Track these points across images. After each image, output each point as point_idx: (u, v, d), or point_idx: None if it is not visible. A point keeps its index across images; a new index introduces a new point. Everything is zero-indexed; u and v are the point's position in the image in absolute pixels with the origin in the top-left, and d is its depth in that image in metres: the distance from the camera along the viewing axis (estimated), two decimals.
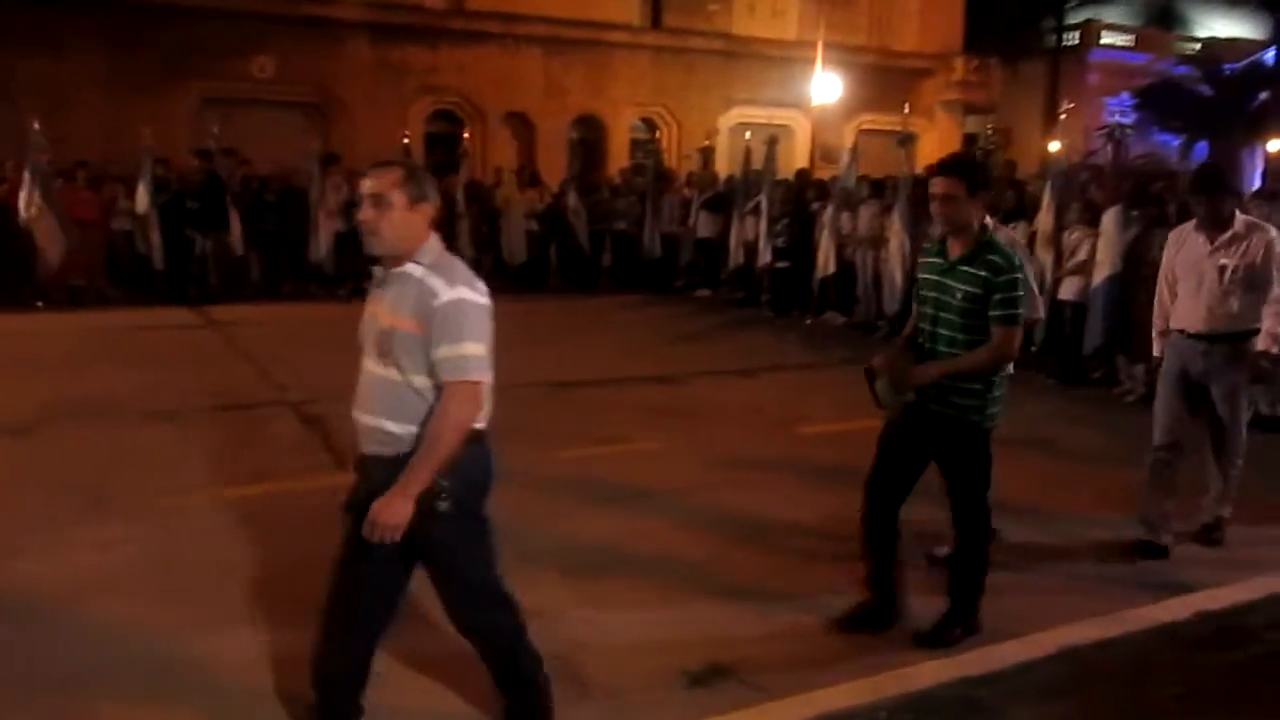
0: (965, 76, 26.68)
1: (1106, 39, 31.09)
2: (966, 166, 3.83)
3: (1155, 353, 5.01)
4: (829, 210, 12.01)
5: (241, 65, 18.95)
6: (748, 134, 15.63)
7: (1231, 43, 31.75)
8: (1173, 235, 5.03)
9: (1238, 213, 4.76)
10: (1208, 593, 4.29)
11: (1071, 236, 8.95)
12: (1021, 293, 3.61)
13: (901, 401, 3.75)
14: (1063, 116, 10.88)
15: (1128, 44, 31.48)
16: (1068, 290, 8.91)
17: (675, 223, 15.00)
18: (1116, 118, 24.02)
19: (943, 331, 3.71)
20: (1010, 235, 4.88)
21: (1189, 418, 4.85)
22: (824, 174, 15.89)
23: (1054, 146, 10.08)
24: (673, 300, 14.20)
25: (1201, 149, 28.89)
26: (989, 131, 10.90)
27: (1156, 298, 5.06)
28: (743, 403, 8.09)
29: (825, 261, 11.98)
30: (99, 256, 13.17)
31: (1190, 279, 4.77)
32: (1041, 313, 7.15)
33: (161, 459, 6.12)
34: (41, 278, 12.27)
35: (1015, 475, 4.72)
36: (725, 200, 14.27)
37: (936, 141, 25.64)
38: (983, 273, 3.60)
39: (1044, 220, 9.21)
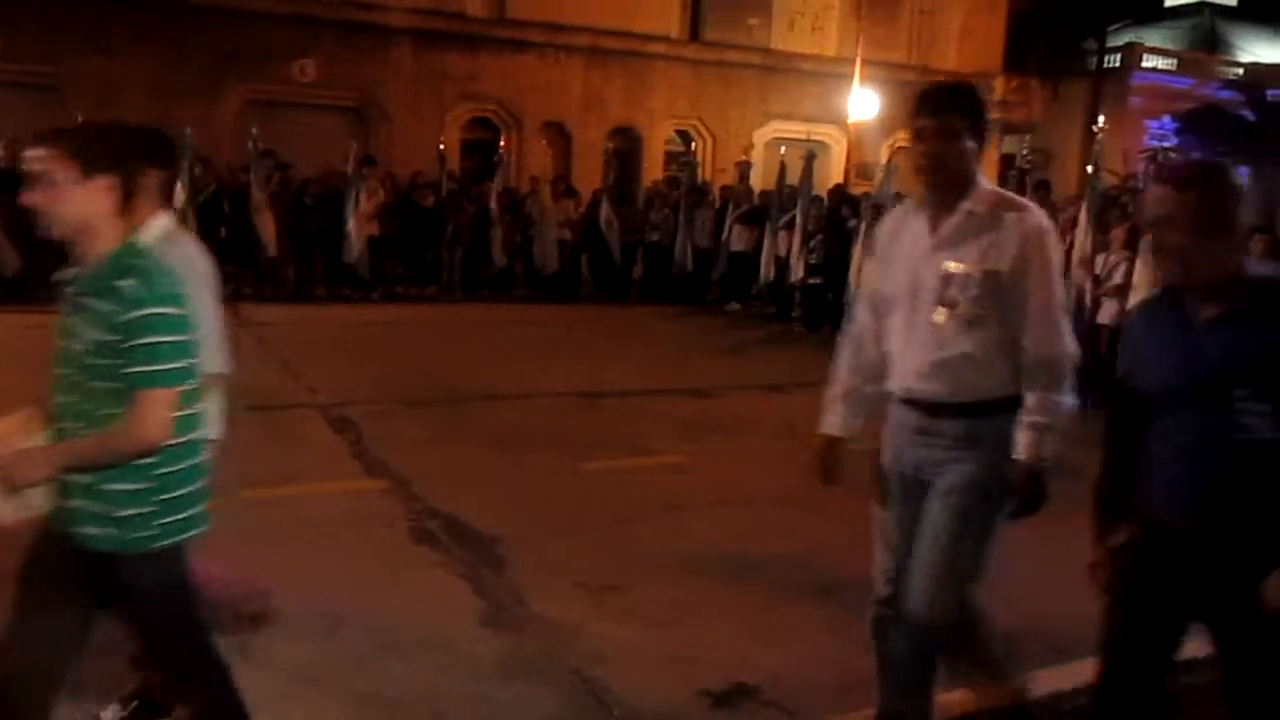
0: (1005, 96, 26.48)
1: (1149, 62, 30.78)
2: None
3: (827, 429, 3.05)
4: (863, 227, 11.95)
5: (284, 68, 19.13)
6: (783, 149, 15.59)
7: (1275, 68, 31.37)
8: (886, 220, 3.11)
9: (982, 179, 2.81)
10: None
11: (1109, 259, 8.84)
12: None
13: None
14: (1099, 137, 10.72)
15: (1170, 67, 31.15)
16: (1105, 314, 8.79)
17: (708, 236, 14.98)
18: (1158, 141, 23.78)
19: None
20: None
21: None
22: (860, 190, 15.82)
23: (1090, 168, 9.97)
24: (704, 313, 14.15)
25: (1243, 174, 28.55)
26: (1025, 151, 10.78)
27: (843, 332, 3.17)
28: (773, 418, 8.02)
29: (858, 278, 11.90)
30: None
31: (903, 299, 2.87)
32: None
33: None
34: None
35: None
36: (760, 214, 14.24)
37: None
38: None
39: (1081, 242, 9.11)
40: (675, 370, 10.07)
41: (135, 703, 3.03)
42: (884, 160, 17.82)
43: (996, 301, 2.71)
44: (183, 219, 12.87)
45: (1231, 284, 2.27)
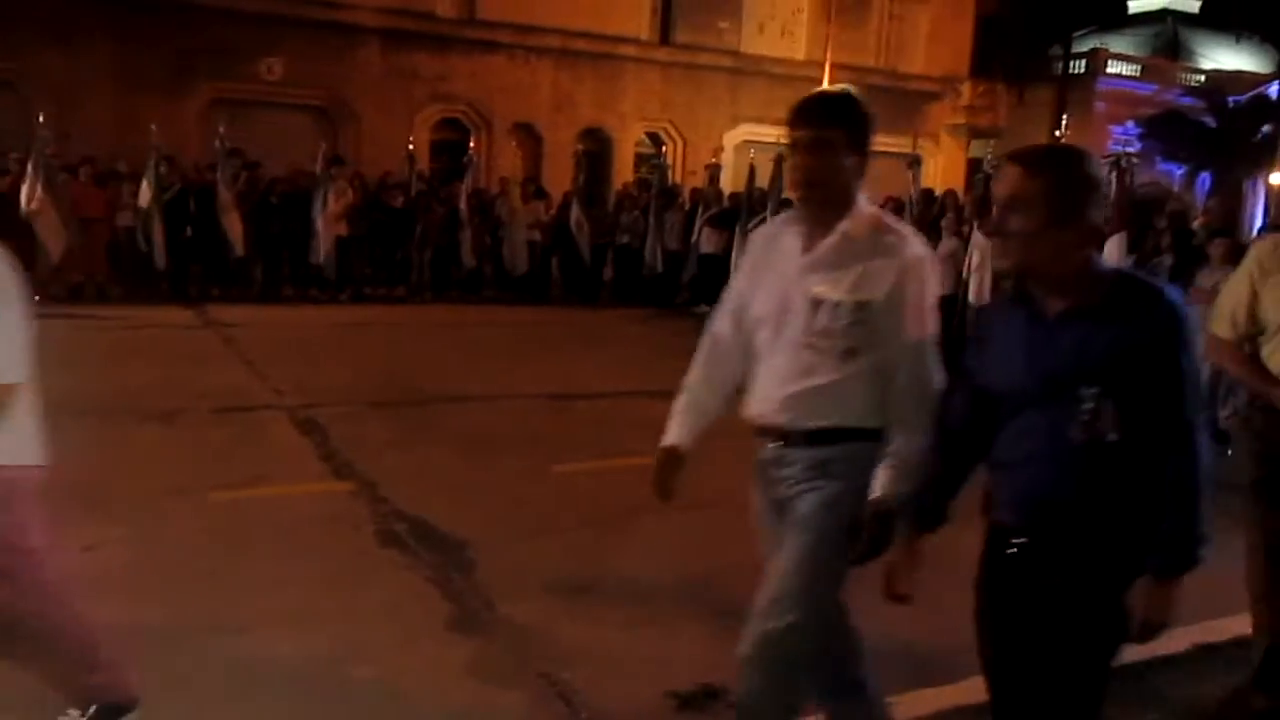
0: (972, 101, 26.79)
1: (1113, 68, 31.20)
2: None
3: (669, 440, 2.94)
4: None
5: (251, 67, 18.98)
6: (752, 152, 15.66)
7: (1236, 75, 31.90)
8: (763, 228, 2.89)
9: (863, 200, 2.61)
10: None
11: None
12: None
13: None
14: (1063, 142, 10.86)
15: (1134, 74, 31.59)
16: None
17: (678, 238, 15.00)
18: (1122, 146, 24.09)
19: None
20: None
21: None
22: None
23: None
24: (674, 316, 14.16)
25: (1205, 180, 28.99)
26: (990, 157, 10.89)
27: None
28: (742, 421, 8.05)
29: None
30: (102, 253, 13.16)
31: (768, 319, 2.65)
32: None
33: (155, 459, 6.08)
34: (41, 272, 12.25)
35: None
36: (730, 217, 14.28)
37: (943, 165, 25.74)
38: None
39: None
40: (645, 372, 10.06)
41: (94, 708, 3.00)
42: None
43: (866, 332, 2.51)
44: (148, 218, 12.82)
45: (1081, 277, 2.17)
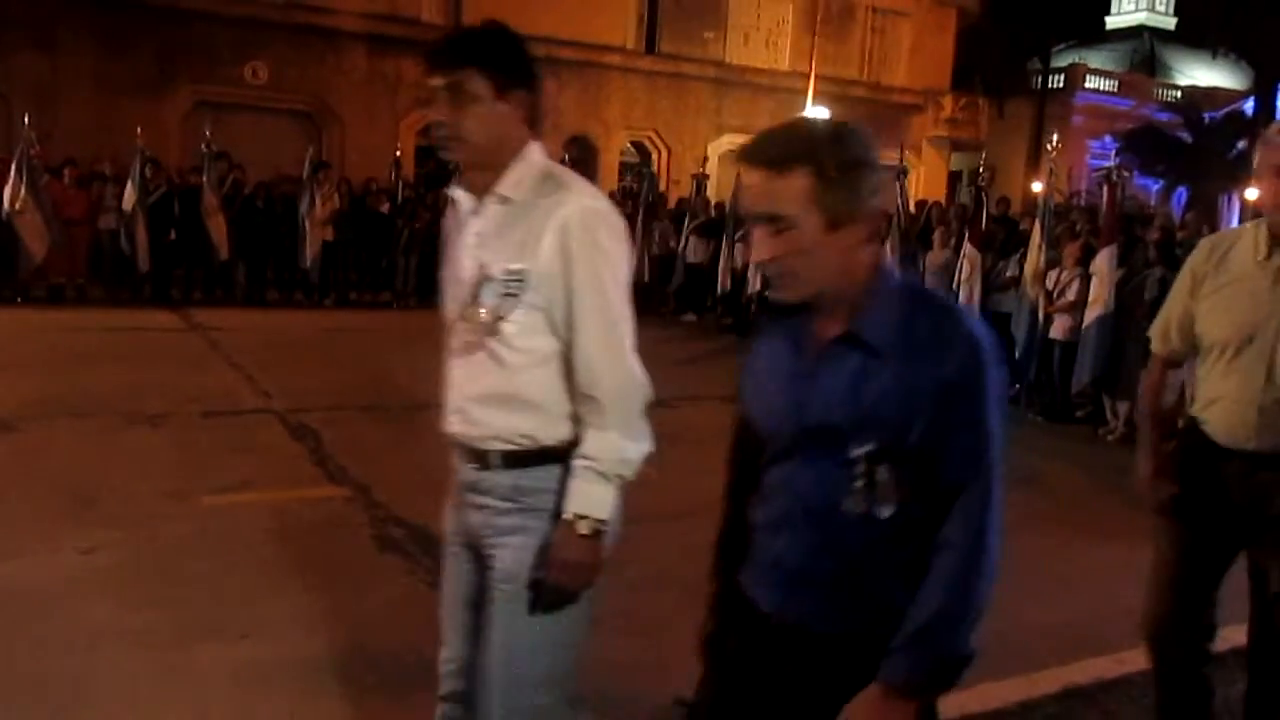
0: (953, 114, 27.04)
1: (1091, 83, 31.60)
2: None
3: None
4: None
5: (235, 70, 18.89)
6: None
7: (1212, 91, 32.35)
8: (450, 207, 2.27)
9: (533, 152, 2.12)
10: None
11: (1061, 275, 9.03)
12: None
13: None
14: (1051, 155, 10.97)
15: (1112, 89, 32.00)
16: (1058, 329, 8.98)
17: (664, 247, 15.04)
18: (1113, 160, 24.37)
19: None
20: None
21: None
22: None
23: (1037, 186, 10.19)
24: (660, 324, 14.17)
25: (1181, 194, 29.35)
26: (981, 169, 11.00)
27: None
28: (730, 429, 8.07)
29: None
30: (83, 255, 13.05)
31: (451, 309, 2.21)
32: None
33: (146, 463, 6.02)
34: (23, 274, 12.13)
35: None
36: (716, 226, 14.33)
37: (925, 177, 25.93)
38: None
39: (1034, 258, 9.29)
40: None
41: None
42: None
43: (537, 313, 2.03)
44: (132, 220, 12.71)
45: (862, 294, 1.63)
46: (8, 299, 11.95)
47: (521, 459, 2.08)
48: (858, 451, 1.60)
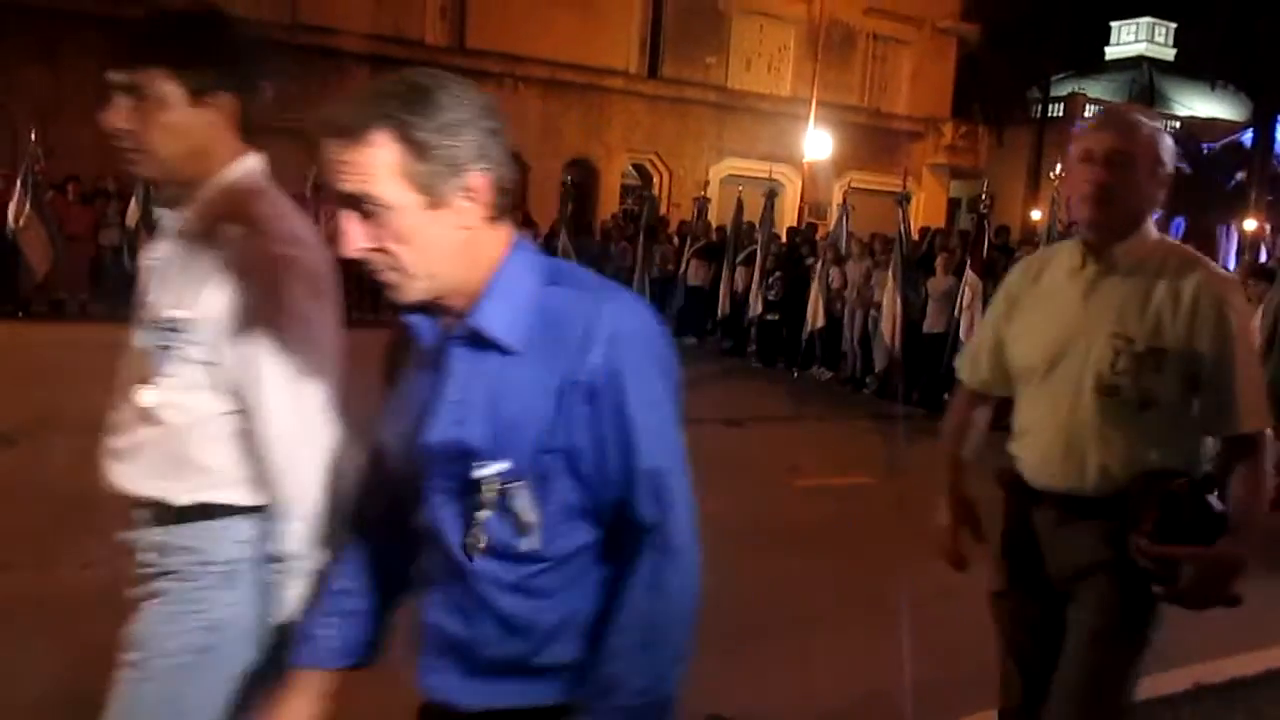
0: (953, 141, 27.18)
1: (1090, 112, 31.75)
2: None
3: None
4: (820, 265, 12.19)
5: None
6: (740, 187, 15.83)
7: (1211, 123, 32.55)
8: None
9: (244, 166, 1.83)
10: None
11: None
12: None
13: None
14: (1056, 184, 11.02)
15: None
16: None
17: (665, 270, 15.10)
18: None
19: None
20: None
21: None
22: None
23: (1036, 214, 10.25)
24: None
25: (1178, 224, 29.49)
26: (984, 196, 11.04)
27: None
28: (733, 452, 8.06)
29: (815, 315, 12.07)
30: (85, 271, 13.08)
31: None
32: None
33: None
34: (26, 289, 12.15)
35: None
36: (716, 250, 14.39)
37: (925, 203, 26.05)
38: None
39: None
40: None
41: None
42: (837, 200, 18.13)
43: (196, 368, 1.70)
44: (135, 236, 12.74)
45: (488, 285, 1.36)
46: (9, 313, 11.96)
47: (176, 514, 1.73)
48: (490, 472, 1.31)
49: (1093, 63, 38.90)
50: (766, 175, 21.76)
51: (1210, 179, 28.46)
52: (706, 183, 21.01)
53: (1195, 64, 34.70)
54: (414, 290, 1.34)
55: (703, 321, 14.58)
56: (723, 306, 13.84)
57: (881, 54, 26.21)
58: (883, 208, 15.69)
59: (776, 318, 12.87)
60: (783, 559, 5.32)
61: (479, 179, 1.31)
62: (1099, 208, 2.21)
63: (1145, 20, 41.70)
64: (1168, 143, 2.23)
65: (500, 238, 1.37)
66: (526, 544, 1.33)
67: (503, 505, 1.31)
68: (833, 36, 24.81)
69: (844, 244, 12.82)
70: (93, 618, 3.96)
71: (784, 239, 14.45)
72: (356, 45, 19.88)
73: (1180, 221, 29.76)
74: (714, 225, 16.08)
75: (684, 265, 14.74)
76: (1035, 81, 30.33)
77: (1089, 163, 2.22)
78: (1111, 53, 41.84)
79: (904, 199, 11.60)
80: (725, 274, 13.81)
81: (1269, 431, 2.19)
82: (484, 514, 1.32)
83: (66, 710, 3.31)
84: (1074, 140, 2.32)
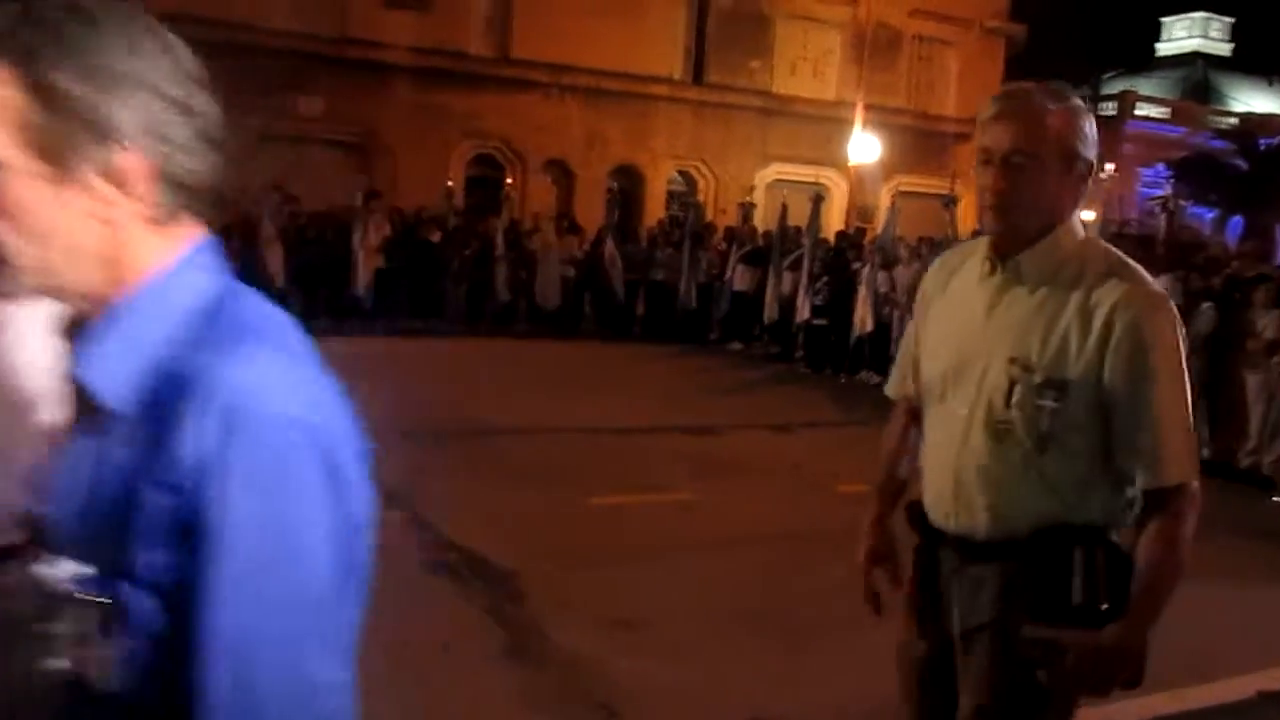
0: None
1: (1142, 110, 31.27)
2: None
3: None
4: (867, 270, 12.10)
5: (289, 103, 19.30)
6: (784, 191, 15.80)
7: (1268, 118, 31.84)
8: None
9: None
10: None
11: None
12: None
13: None
14: (1106, 184, 10.88)
15: (1164, 116, 31.63)
16: None
17: (711, 275, 15.10)
18: (1168, 188, 24.05)
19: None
20: None
21: None
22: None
23: (1089, 215, 10.09)
24: (706, 352, 14.20)
25: (1236, 223, 28.86)
26: None
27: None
28: (779, 457, 8.04)
29: (863, 320, 11.99)
30: None
31: None
32: None
33: None
34: None
35: None
36: (762, 255, 14.36)
37: (971, 206, 25.79)
38: None
39: None
40: (679, 407, 10.08)
41: None
42: (885, 204, 18.00)
43: None
44: None
45: (115, 310, 1.00)
46: None
47: None
48: (73, 578, 0.93)
49: (1143, 60, 38.30)
50: (812, 180, 21.69)
51: (1268, 176, 27.85)
52: (752, 188, 20.97)
53: (1252, 59, 34.02)
54: (25, 280, 0.97)
55: (748, 327, 14.54)
56: (770, 311, 13.79)
57: (927, 55, 25.99)
58: (931, 210, 15.57)
59: (825, 322, 12.80)
60: (827, 563, 5.29)
61: (133, 160, 0.94)
62: (999, 218, 1.89)
63: (1199, 15, 40.95)
64: (1086, 125, 1.89)
65: (163, 248, 0.99)
66: (106, 681, 0.93)
67: (82, 625, 0.93)
68: (878, 39, 24.66)
69: (892, 248, 12.72)
70: None
71: (831, 243, 14.37)
72: (402, 58, 20.13)
73: (1238, 220, 29.17)
74: (760, 230, 16.04)
75: (730, 271, 14.72)
76: (1084, 80, 29.94)
77: (988, 165, 1.90)
78: (1163, 49, 41.15)
79: (951, 201, 11.52)
80: (772, 279, 13.76)
81: (1195, 484, 1.82)
82: (67, 630, 0.93)
83: None
84: (976, 134, 2.00)
